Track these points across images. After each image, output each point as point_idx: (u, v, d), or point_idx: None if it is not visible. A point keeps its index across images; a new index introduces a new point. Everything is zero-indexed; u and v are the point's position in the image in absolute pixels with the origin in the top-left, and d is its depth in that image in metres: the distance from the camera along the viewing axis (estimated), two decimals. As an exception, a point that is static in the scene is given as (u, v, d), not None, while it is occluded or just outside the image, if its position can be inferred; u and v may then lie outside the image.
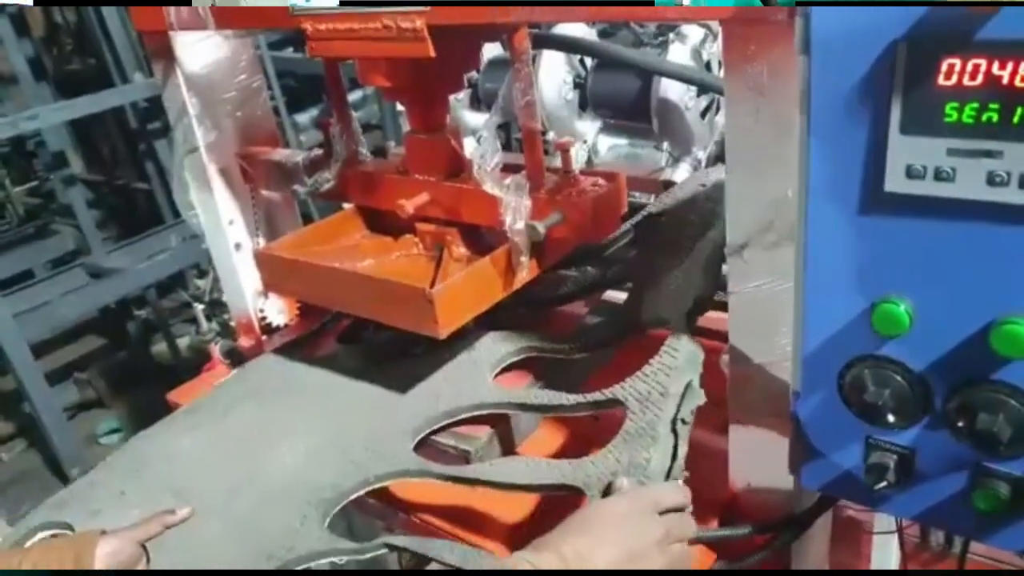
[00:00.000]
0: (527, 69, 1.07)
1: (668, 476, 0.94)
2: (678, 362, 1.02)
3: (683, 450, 0.95)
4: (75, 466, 3.58)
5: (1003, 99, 0.61)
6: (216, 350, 1.59)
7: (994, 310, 0.68)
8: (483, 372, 1.22)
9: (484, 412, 1.16)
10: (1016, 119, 0.61)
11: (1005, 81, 0.60)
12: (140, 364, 4.54)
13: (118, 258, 4.20)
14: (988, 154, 0.63)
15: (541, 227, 1.09)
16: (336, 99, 1.39)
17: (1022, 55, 0.59)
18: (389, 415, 1.19)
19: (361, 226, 1.43)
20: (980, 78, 0.61)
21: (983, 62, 0.61)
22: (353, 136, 1.37)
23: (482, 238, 1.28)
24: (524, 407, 1.14)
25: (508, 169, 1.15)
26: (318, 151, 1.41)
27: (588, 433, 1.19)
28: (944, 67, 0.62)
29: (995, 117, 0.62)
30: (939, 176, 0.66)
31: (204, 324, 3.33)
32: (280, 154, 1.45)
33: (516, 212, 1.10)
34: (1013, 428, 0.70)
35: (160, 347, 4.51)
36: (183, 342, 4.33)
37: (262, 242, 1.51)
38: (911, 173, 0.68)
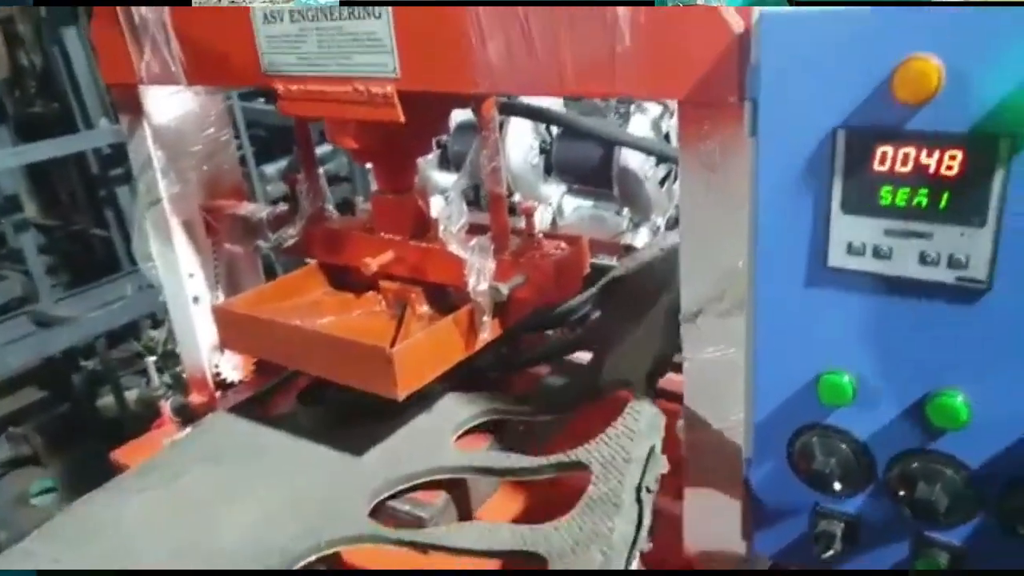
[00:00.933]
0: (494, 137, 1.11)
1: (633, 546, 0.92)
2: (640, 426, 1.02)
3: (647, 520, 0.94)
4: (3, 529, 3.39)
5: (931, 186, 0.65)
6: (167, 407, 1.55)
7: (930, 382, 0.72)
8: (445, 435, 1.21)
9: (445, 476, 1.15)
10: (943, 205, 0.65)
11: (932, 170, 0.65)
12: (83, 418, 4.37)
13: (68, 306, 4.08)
14: (920, 235, 0.68)
15: (504, 288, 1.11)
16: (304, 155, 1.40)
17: (946, 146, 0.64)
18: (347, 477, 1.17)
19: (323, 282, 1.42)
20: (910, 165, 0.66)
21: (912, 151, 0.65)
22: (319, 193, 1.38)
23: (446, 297, 1.28)
24: (487, 471, 1.12)
25: (475, 230, 1.17)
26: (283, 206, 1.42)
27: (548, 498, 1.18)
28: (879, 154, 0.67)
29: (924, 202, 0.66)
30: (877, 254, 0.70)
31: (155, 378, 3.24)
32: (245, 208, 1.45)
33: (480, 273, 1.12)
34: (950, 498, 0.73)
35: (106, 400, 4.35)
36: (131, 395, 4.20)
37: (222, 296, 1.49)
38: (852, 250, 0.72)
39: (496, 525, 1.02)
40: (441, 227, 1.14)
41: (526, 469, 1.09)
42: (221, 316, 1.34)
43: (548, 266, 1.12)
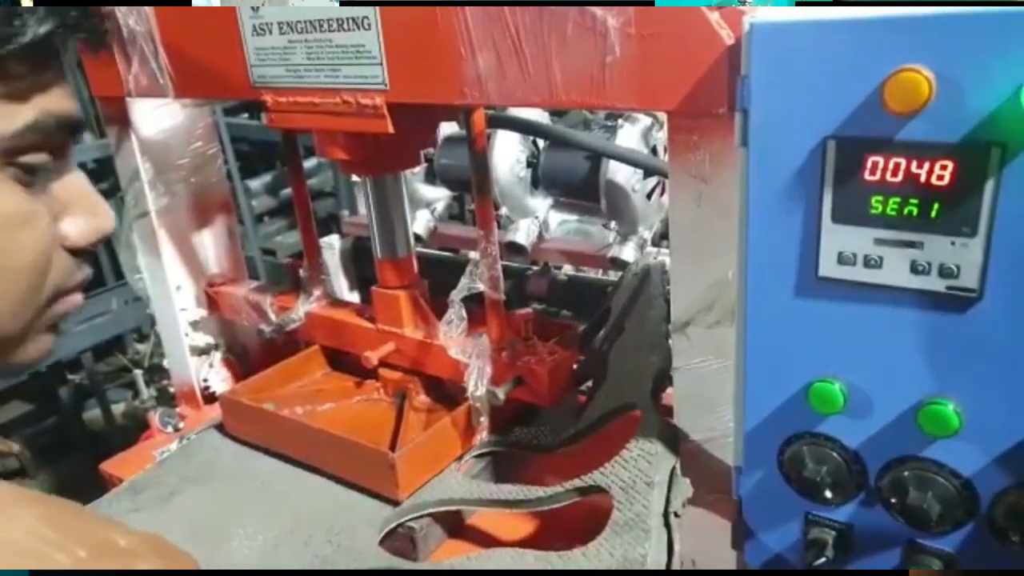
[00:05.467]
0: (493, 248, 1.16)
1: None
2: (657, 447, 1.01)
3: (677, 545, 0.95)
4: (-10, 541, 3.34)
5: (921, 195, 0.66)
6: (155, 418, 1.54)
7: (921, 391, 0.72)
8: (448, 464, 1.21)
9: (457, 508, 1.14)
10: (934, 214, 0.66)
11: (922, 179, 0.65)
12: (70, 431, 4.33)
13: (53, 320, 4.04)
14: (910, 244, 0.68)
15: (501, 393, 1.15)
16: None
17: (936, 156, 0.64)
18: (352, 505, 1.16)
19: (323, 364, 1.46)
20: (900, 175, 0.66)
21: (903, 161, 0.66)
22: (322, 281, 1.43)
23: (443, 387, 1.32)
24: (499, 503, 1.11)
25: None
26: (285, 288, 1.45)
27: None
28: (869, 164, 0.67)
29: (915, 211, 0.67)
30: (868, 263, 0.71)
31: (144, 391, 3.22)
32: (247, 287, 1.48)
33: (478, 378, 1.16)
34: (941, 505, 0.73)
35: (93, 413, 4.32)
36: (118, 408, 4.16)
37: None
38: (842, 260, 0.72)
39: (521, 552, 1.00)
40: (441, 332, 1.18)
41: (543, 499, 1.08)
42: (226, 404, 1.36)
43: (543, 372, 1.16)
